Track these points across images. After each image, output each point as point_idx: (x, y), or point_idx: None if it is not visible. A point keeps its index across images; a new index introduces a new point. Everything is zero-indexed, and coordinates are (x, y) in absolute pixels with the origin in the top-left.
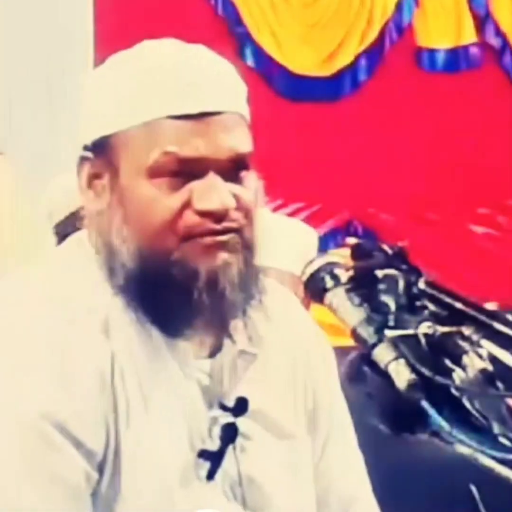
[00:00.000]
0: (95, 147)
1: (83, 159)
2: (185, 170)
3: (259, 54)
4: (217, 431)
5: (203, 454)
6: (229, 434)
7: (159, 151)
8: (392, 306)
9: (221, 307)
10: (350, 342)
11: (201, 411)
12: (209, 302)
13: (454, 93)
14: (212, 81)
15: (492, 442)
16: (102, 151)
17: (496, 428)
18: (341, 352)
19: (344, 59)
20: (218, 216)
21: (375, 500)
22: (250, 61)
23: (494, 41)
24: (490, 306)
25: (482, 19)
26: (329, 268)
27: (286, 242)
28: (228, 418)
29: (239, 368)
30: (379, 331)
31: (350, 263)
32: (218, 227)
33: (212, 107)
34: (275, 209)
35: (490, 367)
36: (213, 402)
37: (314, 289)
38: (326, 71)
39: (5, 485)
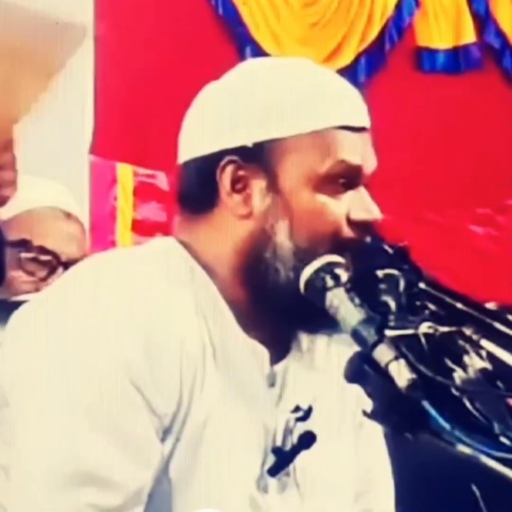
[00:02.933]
0: (243, 151)
1: (229, 162)
2: (348, 180)
3: (259, 54)
4: (291, 433)
5: (276, 450)
6: (308, 440)
7: (334, 159)
8: (393, 306)
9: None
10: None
11: (271, 409)
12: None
13: (454, 93)
14: (359, 98)
15: (492, 441)
16: (253, 155)
17: (496, 428)
18: None
19: (344, 59)
20: (370, 227)
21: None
22: None
23: (494, 41)
24: (490, 306)
25: (482, 19)
26: (330, 268)
27: None
28: (293, 419)
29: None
30: (380, 331)
31: (351, 263)
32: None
33: (365, 123)
34: None
35: (490, 367)
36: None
37: (314, 289)
38: None
39: (76, 430)
